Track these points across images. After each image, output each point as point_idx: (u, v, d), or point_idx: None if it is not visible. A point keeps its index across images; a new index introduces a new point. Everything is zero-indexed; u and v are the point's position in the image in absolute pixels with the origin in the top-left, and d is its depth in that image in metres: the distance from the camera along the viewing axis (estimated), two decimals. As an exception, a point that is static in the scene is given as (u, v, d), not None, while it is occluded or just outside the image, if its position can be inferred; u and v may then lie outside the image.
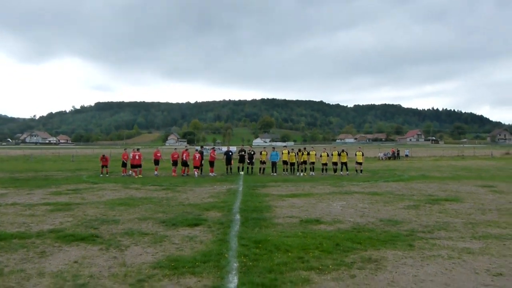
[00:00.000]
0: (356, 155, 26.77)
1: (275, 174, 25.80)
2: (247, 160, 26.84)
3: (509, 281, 5.84)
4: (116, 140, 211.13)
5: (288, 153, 26.98)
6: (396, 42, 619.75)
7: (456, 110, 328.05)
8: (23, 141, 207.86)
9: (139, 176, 24.50)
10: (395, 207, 12.51)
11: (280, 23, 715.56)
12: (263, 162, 26.94)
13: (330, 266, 6.39)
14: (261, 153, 27.41)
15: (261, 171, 26.53)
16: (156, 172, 25.90)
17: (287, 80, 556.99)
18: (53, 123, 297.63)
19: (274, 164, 26.59)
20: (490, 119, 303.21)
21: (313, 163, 26.24)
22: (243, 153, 27.22)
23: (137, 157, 25.15)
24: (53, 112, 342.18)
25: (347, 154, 26.59)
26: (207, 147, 31.49)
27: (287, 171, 26.66)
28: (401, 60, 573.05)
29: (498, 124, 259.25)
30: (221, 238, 8.27)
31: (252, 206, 12.43)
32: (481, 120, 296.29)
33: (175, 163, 26.17)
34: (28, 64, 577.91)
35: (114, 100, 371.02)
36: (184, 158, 25.65)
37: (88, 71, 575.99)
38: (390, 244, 7.84)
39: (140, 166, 25.28)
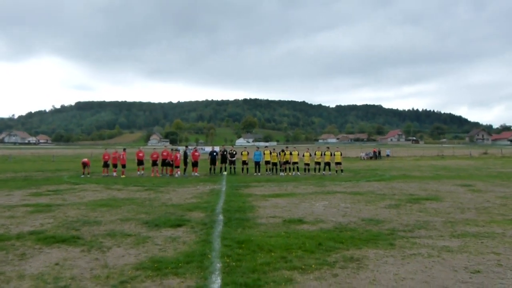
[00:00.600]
0: (334, 155, 27.00)
1: (258, 174, 25.83)
2: (229, 159, 26.80)
3: (486, 278, 5.99)
4: (97, 140, 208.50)
5: (270, 153, 27.05)
6: (375, 44, 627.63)
7: (435, 111, 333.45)
8: (2, 141, 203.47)
9: (123, 176, 24.43)
10: (377, 206, 12.67)
11: (262, 25, 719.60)
12: (245, 163, 26.95)
13: (313, 266, 6.45)
14: (241, 153, 27.40)
15: (244, 171, 26.54)
16: (138, 172, 25.73)
17: (269, 80, 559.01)
18: (33, 122, 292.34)
19: (257, 164, 26.62)
20: (468, 119, 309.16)
21: (296, 163, 26.34)
22: (225, 153, 27.19)
23: (121, 157, 25.60)
24: (33, 111, 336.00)
25: (331, 154, 26.75)
26: (191, 147, 31.25)
27: (270, 171, 26.71)
28: (381, 62, 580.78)
29: (476, 125, 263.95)
30: (204, 239, 8.27)
31: (235, 207, 12.44)
32: (460, 121, 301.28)
33: (154, 163, 26.04)
34: (6, 63, 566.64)
35: (95, 100, 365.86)
36: (168, 158, 25.58)
37: (69, 70, 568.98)
38: (372, 243, 7.95)
39: (124, 166, 25.57)
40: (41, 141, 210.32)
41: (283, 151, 26.84)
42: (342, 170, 26.71)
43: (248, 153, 27.45)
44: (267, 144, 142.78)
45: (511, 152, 67.27)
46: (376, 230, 9.10)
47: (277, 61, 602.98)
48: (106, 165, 25.73)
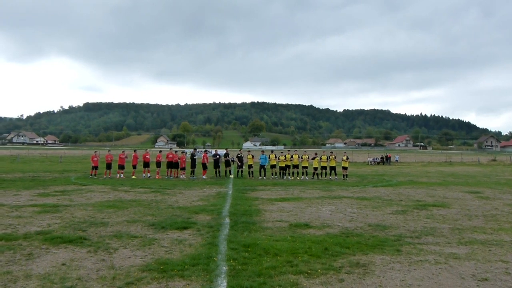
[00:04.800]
0: (342, 160, 26.85)
1: (264, 177, 25.77)
2: (237, 163, 26.82)
3: (494, 286, 5.93)
4: (105, 142, 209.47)
5: (276, 157, 26.94)
6: (384, 49, 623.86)
7: (443, 117, 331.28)
8: (10, 141, 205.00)
9: (133, 177, 24.81)
10: (383, 212, 12.61)
11: (270, 28, 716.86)
12: (250, 166, 26.89)
13: (319, 271, 6.43)
14: (247, 157, 27.34)
15: (250, 174, 26.52)
16: (144, 174, 25.84)
17: (277, 84, 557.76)
18: (41, 123, 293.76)
19: (262, 167, 26.61)
20: (477, 125, 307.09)
21: (305, 167, 26.28)
22: (227, 157, 27.22)
23: (126, 158, 26.00)
24: (41, 112, 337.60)
25: (335, 158, 26.68)
26: (199, 150, 31.40)
27: (276, 175, 26.65)
28: (389, 67, 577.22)
29: (485, 131, 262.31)
30: (210, 242, 8.27)
31: (242, 210, 12.44)
32: (468, 127, 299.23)
33: (158, 164, 26.16)
34: (16, 63, 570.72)
35: (103, 101, 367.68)
36: (173, 160, 25.70)
37: (78, 71, 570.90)
38: (378, 249, 7.91)
39: (135, 167, 25.99)
40: (49, 141, 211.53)
41: (291, 155, 26.76)
42: (347, 175, 26.60)
43: (253, 157, 27.38)
44: (274, 147, 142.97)
45: (520, 159, 66.61)
46: (382, 236, 9.06)
47: (284, 64, 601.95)
48: (109, 166, 25.84)
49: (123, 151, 27.52)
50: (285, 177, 26.06)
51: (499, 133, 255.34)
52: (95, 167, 25.41)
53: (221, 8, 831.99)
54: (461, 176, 31.16)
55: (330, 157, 26.49)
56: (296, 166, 26.48)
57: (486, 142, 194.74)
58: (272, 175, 26.68)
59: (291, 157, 26.36)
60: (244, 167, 27.36)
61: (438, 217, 11.70)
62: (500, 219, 11.54)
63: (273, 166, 26.80)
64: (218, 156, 27.17)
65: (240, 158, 27.06)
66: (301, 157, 26.62)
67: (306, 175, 26.20)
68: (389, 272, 6.48)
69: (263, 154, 27.28)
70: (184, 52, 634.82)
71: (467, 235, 9.36)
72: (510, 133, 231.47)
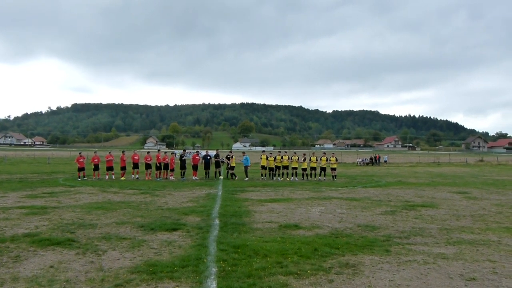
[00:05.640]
0: (330, 160, 26.94)
1: (247, 178, 25.71)
2: (227, 163, 26.74)
3: (481, 285, 6.00)
4: (93, 143, 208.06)
5: (267, 158, 26.87)
6: (374, 51, 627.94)
7: (432, 117, 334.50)
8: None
9: (122, 178, 24.84)
10: (373, 212, 12.69)
11: (260, 29, 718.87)
12: (231, 167, 26.78)
13: (309, 271, 6.45)
14: (227, 158, 27.22)
15: (231, 176, 26.23)
16: (133, 175, 25.65)
17: (267, 85, 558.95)
18: (28, 124, 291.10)
19: (246, 169, 26.57)
20: (465, 126, 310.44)
21: (295, 168, 26.29)
22: (217, 158, 27.13)
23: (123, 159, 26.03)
24: (29, 113, 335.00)
25: (326, 160, 26.78)
26: (189, 151, 31.29)
27: (265, 176, 26.61)
28: (379, 68, 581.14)
29: (472, 132, 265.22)
30: (200, 243, 8.25)
31: (231, 211, 12.42)
32: (456, 128, 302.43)
33: (148, 166, 25.95)
34: (4, 64, 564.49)
35: (92, 102, 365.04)
36: (162, 161, 25.59)
37: (66, 72, 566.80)
38: (368, 249, 7.95)
39: (125, 168, 25.92)
40: (36, 143, 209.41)
41: (281, 155, 26.75)
42: (335, 176, 26.70)
43: (234, 158, 27.16)
44: (263, 148, 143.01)
45: (507, 160, 67.52)
46: (372, 236, 9.11)
47: (275, 65, 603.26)
48: (96, 168, 25.64)
49: (109, 153, 27.29)
50: (274, 178, 26.07)
51: (487, 133, 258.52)
52: (82, 169, 25.16)
53: (212, 9, 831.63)
54: (449, 176, 31.47)
55: (321, 157, 26.58)
56: (286, 167, 26.49)
57: (474, 142, 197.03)
58: (262, 176, 26.62)
59: (282, 158, 26.34)
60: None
61: (427, 218, 11.80)
62: (487, 219, 11.67)
63: (263, 168, 26.71)
64: (209, 157, 27.05)
65: (228, 159, 26.96)
66: (291, 158, 26.67)
67: (296, 176, 26.24)
68: (378, 273, 6.51)
69: (245, 155, 27.26)
70: (175, 53, 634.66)
71: (455, 235, 9.45)
72: (497, 133, 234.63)
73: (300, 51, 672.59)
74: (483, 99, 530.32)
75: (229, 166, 26.76)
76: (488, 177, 31.36)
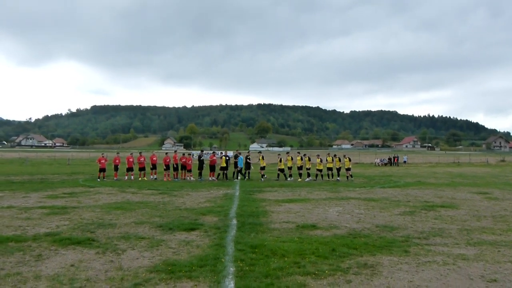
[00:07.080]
0: (344, 161, 26.79)
1: (245, 178, 25.97)
2: (245, 164, 26.78)
3: (503, 287, 5.90)
4: (112, 144, 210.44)
5: (263, 158, 27.00)
6: (390, 50, 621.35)
7: (451, 117, 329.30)
8: (19, 144, 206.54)
9: (140, 179, 25.14)
10: (391, 213, 12.57)
11: (276, 30, 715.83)
12: (224, 168, 26.30)
13: (326, 271, 6.43)
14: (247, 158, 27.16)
15: (223, 176, 26.03)
16: (152, 176, 25.89)
17: (283, 85, 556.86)
18: (49, 126, 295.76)
19: (240, 170, 26.53)
20: (485, 126, 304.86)
21: (308, 169, 26.21)
22: (237, 159, 27.17)
23: (142, 160, 26.40)
24: (49, 115, 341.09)
25: (339, 160, 26.66)
26: (207, 152, 31.40)
27: (263, 177, 26.43)
28: (396, 68, 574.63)
29: (493, 132, 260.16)
30: (218, 243, 8.29)
31: (249, 211, 12.45)
32: (476, 127, 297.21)
33: (167, 167, 26.16)
34: (25, 67, 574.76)
35: (111, 104, 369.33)
36: (180, 162, 25.81)
37: (85, 74, 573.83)
38: (386, 250, 7.89)
39: (144, 169, 26.25)
40: (57, 144, 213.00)
41: (301, 156, 26.76)
42: (351, 176, 26.57)
43: (263, 158, 27.32)
44: (281, 149, 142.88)
45: (529, 160, 66.09)
46: (390, 237, 9.03)
47: (291, 66, 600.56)
48: (116, 168, 26.04)
49: (131, 154, 27.65)
50: (289, 179, 26.00)
51: (508, 133, 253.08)
52: (103, 169, 25.53)
53: (228, 11, 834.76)
54: (469, 177, 30.95)
55: (335, 158, 26.50)
56: (300, 168, 26.45)
57: (495, 142, 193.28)
58: (263, 176, 26.45)
59: (309, 159, 26.68)
60: (252, 168, 27.29)
61: (446, 218, 11.64)
62: (509, 220, 11.45)
63: (281, 170, 26.63)
64: (227, 158, 27.06)
65: (248, 160, 26.98)
66: (303, 159, 26.71)
67: (309, 177, 26.16)
68: (396, 273, 6.46)
69: (240, 156, 27.10)
70: (191, 54, 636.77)
71: (476, 236, 9.30)
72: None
73: (316, 51, 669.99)
74: (504, 99, 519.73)
75: (247, 167, 26.77)
76: (510, 177, 30.75)
